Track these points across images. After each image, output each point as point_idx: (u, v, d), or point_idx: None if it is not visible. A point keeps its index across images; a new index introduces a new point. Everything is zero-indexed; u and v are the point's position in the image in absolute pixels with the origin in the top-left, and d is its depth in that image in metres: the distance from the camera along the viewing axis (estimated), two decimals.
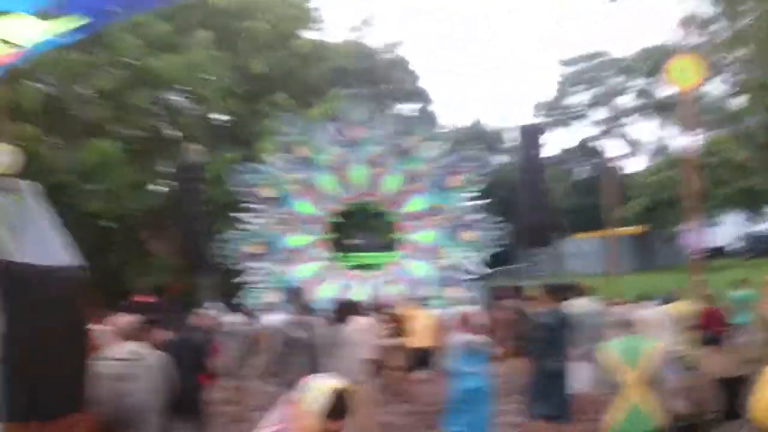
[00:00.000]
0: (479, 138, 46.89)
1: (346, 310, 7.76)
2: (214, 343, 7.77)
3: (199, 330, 8.17)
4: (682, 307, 9.88)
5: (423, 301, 12.45)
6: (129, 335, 5.40)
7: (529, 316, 6.99)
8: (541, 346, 6.61)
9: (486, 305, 15.83)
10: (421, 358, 9.97)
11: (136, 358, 5.23)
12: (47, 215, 5.69)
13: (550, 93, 52.94)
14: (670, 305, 9.73)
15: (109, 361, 5.23)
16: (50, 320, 4.89)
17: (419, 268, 16.56)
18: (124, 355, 5.24)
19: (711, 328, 9.40)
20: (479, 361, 6.80)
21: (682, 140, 16.53)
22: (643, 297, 9.67)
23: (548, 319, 6.68)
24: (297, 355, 6.66)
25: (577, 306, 8.33)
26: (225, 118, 25.49)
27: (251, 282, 16.81)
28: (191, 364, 6.39)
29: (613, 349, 5.00)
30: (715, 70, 39.11)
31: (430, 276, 16.33)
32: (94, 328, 7.63)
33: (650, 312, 9.12)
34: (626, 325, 5.12)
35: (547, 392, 6.55)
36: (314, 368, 6.64)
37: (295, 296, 8.88)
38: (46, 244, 5.54)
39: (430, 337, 9.96)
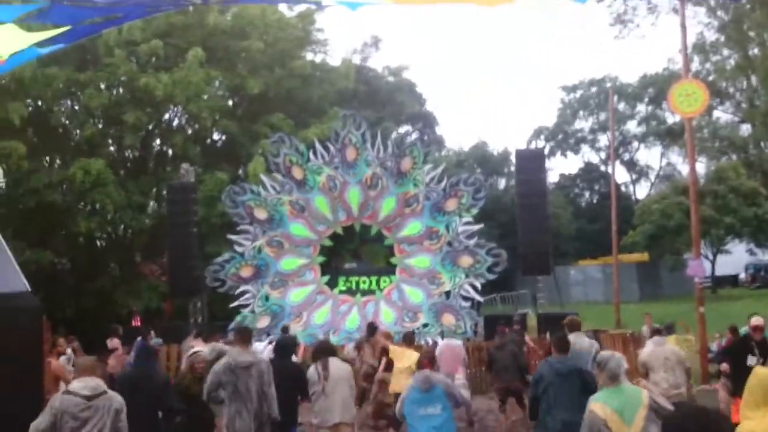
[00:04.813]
0: (483, 161, 46.50)
1: (323, 351, 6.95)
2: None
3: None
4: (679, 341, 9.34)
5: (409, 334, 11.48)
6: (86, 369, 4.97)
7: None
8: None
9: (482, 334, 15.27)
10: None
11: (97, 395, 4.81)
12: None
13: (552, 118, 52.59)
14: (672, 338, 9.13)
15: (73, 397, 4.79)
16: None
17: (414, 295, 15.97)
18: (87, 392, 4.80)
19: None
20: (438, 399, 5.88)
21: (687, 167, 16.01)
22: (670, 328, 8.96)
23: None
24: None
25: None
26: (220, 137, 25.15)
27: (244, 305, 16.24)
28: (149, 402, 5.82)
29: (606, 401, 4.42)
30: (721, 97, 38.88)
31: (425, 302, 15.74)
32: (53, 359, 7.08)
33: (659, 349, 8.29)
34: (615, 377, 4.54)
35: None
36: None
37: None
38: None
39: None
